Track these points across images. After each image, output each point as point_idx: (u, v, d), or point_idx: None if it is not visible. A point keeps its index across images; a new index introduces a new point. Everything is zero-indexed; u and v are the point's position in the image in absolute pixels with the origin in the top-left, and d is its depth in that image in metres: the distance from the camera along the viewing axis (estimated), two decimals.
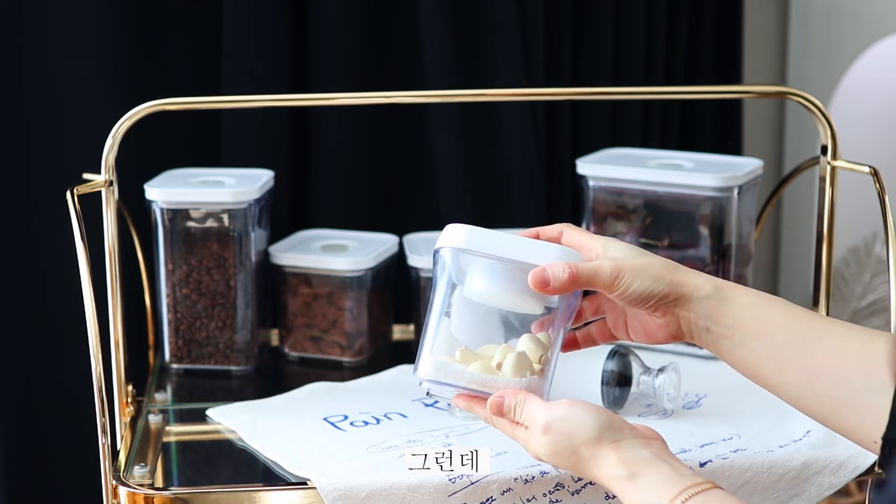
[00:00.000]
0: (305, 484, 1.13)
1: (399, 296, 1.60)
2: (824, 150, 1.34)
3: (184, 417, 1.36)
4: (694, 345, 1.06)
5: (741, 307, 1.02)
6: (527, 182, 1.69)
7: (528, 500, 1.13)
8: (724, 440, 1.21)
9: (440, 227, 1.59)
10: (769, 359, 1.01)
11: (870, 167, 1.28)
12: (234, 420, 1.28)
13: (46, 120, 1.62)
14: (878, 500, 0.64)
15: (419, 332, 1.49)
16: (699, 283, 1.03)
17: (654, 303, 1.03)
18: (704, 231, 1.42)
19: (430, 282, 1.45)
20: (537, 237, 1.09)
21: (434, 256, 1.08)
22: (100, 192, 1.27)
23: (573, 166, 1.49)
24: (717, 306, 1.02)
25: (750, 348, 1.01)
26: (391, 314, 1.55)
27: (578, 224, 1.53)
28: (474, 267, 1.06)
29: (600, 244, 1.06)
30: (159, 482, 1.19)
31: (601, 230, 1.48)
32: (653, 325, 1.06)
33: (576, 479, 1.13)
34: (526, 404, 1.02)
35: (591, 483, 1.12)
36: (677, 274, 1.03)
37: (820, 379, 0.98)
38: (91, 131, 1.42)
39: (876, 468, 1.15)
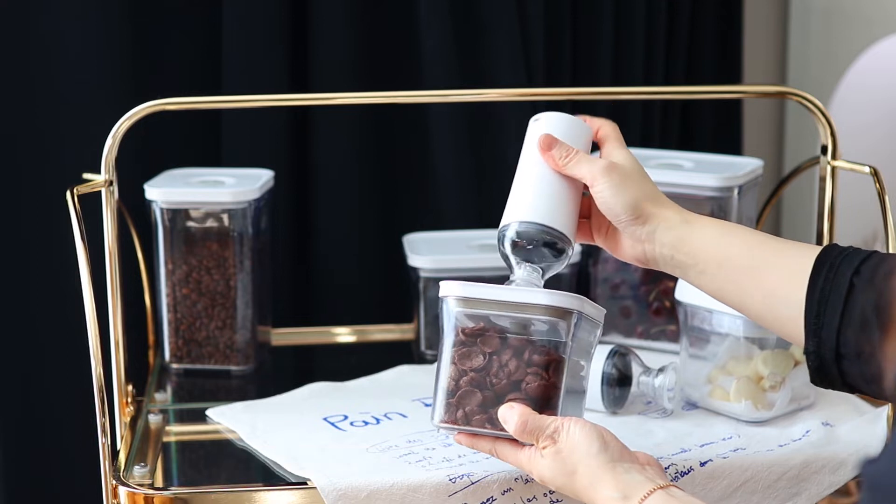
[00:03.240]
0: (305, 484, 1.13)
1: (399, 296, 1.60)
2: (824, 150, 1.34)
3: (184, 417, 1.36)
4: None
5: (703, 237, 1.09)
6: None
7: (529, 500, 1.12)
8: (723, 440, 1.21)
9: (440, 228, 1.61)
10: (728, 283, 1.08)
11: (870, 167, 1.28)
12: (234, 420, 1.28)
13: (47, 120, 1.62)
14: (870, 470, 0.64)
15: (419, 332, 1.49)
16: (668, 215, 1.10)
17: (623, 220, 1.10)
18: None
19: (430, 282, 1.46)
20: (585, 120, 1.17)
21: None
22: (100, 192, 1.27)
23: None
24: (681, 236, 1.09)
25: (711, 275, 1.08)
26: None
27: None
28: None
29: (613, 151, 1.14)
30: (159, 482, 1.19)
31: None
32: (624, 244, 1.13)
33: None
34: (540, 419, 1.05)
35: None
36: (652, 205, 1.10)
37: (774, 300, 1.05)
38: (91, 131, 1.42)
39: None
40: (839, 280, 1.01)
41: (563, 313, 1.07)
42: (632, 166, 1.12)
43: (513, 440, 1.06)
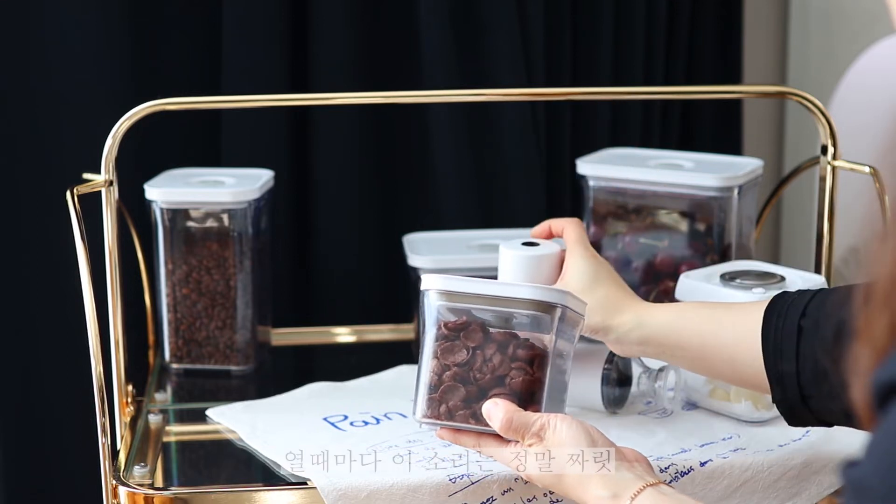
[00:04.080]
0: (305, 484, 1.13)
1: (399, 296, 1.60)
2: (824, 150, 1.34)
3: (184, 417, 1.36)
4: None
5: (661, 329, 1.14)
6: (527, 182, 1.69)
7: (529, 501, 1.12)
8: (723, 440, 1.21)
9: (440, 228, 1.61)
10: (696, 359, 1.14)
11: (870, 167, 1.28)
12: (234, 420, 1.28)
13: (47, 120, 1.62)
14: (852, 474, 0.64)
15: (419, 332, 1.49)
16: (625, 320, 1.15)
17: (594, 336, 1.17)
18: (704, 231, 1.42)
19: None
20: (549, 229, 1.24)
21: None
22: (100, 192, 1.27)
23: (573, 166, 1.49)
24: (643, 335, 1.15)
25: (679, 357, 1.15)
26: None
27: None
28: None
29: (570, 262, 1.19)
30: (159, 482, 1.19)
31: (601, 230, 1.49)
32: (611, 346, 1.19)
33: None
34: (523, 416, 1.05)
35: None
36: (607, 315, 1.15)
37: (737, 363, 1.11)
38: (91, 131, 1.42)
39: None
40: (788, 328, 1.06)
41: (548, 308, 1.07)
42: (585, 279, 1.17)
43: (497, 435, 1.06)
